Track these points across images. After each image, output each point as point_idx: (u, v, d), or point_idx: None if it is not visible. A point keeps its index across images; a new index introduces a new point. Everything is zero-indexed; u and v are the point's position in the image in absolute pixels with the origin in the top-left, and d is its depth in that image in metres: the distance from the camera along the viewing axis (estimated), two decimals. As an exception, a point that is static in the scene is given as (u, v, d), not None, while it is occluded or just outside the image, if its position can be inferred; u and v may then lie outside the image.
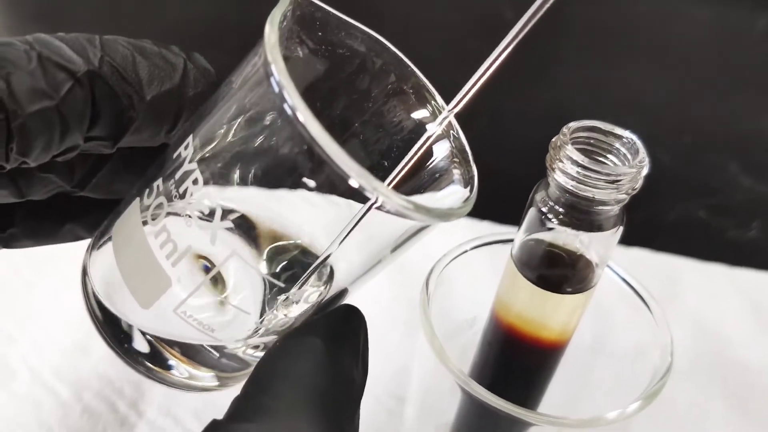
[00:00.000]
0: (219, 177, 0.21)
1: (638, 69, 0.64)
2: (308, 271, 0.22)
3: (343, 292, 0.23)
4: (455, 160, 0.24)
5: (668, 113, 0.62)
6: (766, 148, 0.61)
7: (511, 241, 0.28)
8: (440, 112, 0.24)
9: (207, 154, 0.21)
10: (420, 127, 0.24)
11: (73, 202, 0.26)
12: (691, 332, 0.47)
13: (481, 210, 0.53)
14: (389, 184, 0.23)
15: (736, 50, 0.65)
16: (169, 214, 0.22)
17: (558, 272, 0.27)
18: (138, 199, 0.22)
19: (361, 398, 0.22)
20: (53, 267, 0.45)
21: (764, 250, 0.54)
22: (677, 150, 0.60)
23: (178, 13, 0.61)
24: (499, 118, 0.62)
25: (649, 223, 0.55)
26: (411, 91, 0.24)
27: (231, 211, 0.23)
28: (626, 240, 0.52)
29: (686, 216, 0.56)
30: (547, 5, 0.22)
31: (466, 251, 0.32)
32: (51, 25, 0.61)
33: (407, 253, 0.49)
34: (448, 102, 0.23)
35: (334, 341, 0.21)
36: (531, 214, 0.26)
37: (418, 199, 0.23)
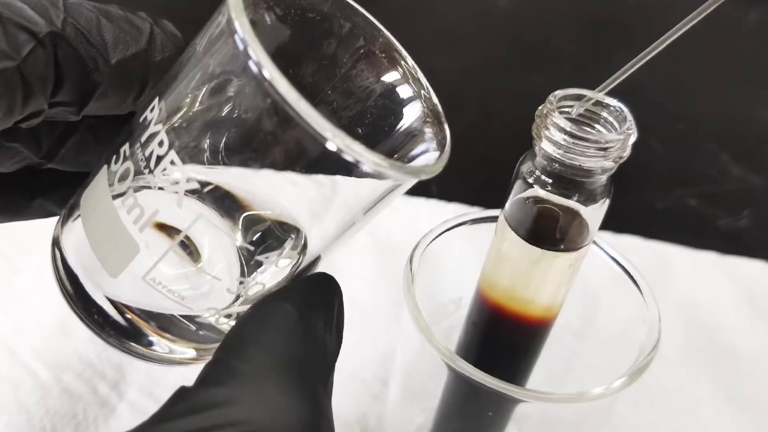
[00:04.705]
0: (192, 140, 0.20)
1: (631, 58, 0.64)
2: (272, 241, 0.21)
3: (317, 260, 0.23)
4: (428, 120, 0.23)
5: (662, 103, 0.61)
6: (757, 138, 0.61)
7: (495, 218, 0.27)
8: (412, 74, 0.24)
9: (177, 119, 0.20)
10: (392, 91, 0.23)
11: (43, 176, 0.26)
12: (682, 320, 0.47)
13: (472, 196, 0.53)
14: None
15: (728, 42, 0.64)
16: (142, 188, 0.21)
17: (551, 228, 0.26)
18: (106, 166, 0.22)
19: (334, 365, 0.21)
20: (36, 247, 0.44)
21: (754, 238, 0.54)
22: (670, 139, 0.60)
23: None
24: (491, 107, 0.62)
25: (641, 211, 0.55)
26: (381, 54, 0.24)
27: (205, 183, 0.22)
28: (617, 227, 0.52)
29: (678, 204, 0.56)
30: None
31: (450, 228, 0.31)
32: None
33: (397, 236, 0.48)
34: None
35: (307, 307, 0.21)
36: (517, 186, 0.26)
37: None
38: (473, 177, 0.52)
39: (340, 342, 0.22)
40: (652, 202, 0.56)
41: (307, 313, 0.21)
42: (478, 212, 0.32)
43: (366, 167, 0.19)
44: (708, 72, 0.64)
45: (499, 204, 0.27)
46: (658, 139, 0.59)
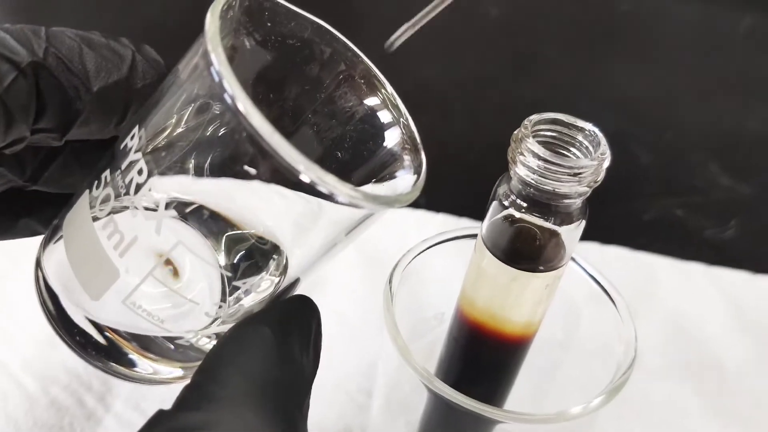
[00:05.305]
0: (169, 168, 0.21)
1: (621, 67, 0.65)
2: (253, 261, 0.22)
3: (296, 282, 0.23)
4: (406, 147, 0.24)
5: (650, 111, 0.62)
6: (746, 148, 0.61)
7: (476, 236, 0.28)
8: (390, 100, 0.24)
9: (157, 146, 0.21)
10: (371, 116, 0.24)
11: (28, 196, 0.26)
12: (668, 331, 0.47)
13: (461, 206, 0.53)
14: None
15: (720, 50, 0.65)
16: (123, 208, 0.21)
17: (527, 248, 0.26)
18: (87, 191, 0.22)
19: (311, 387, 0.21)
20: (27, 259, 0.44)
21: (742, 249, 0.54)
22: (658, 148, 0.60)
23: (161, 5, 0.61)
24: (480, 115, 0.62)
25: (628, 221, 0.55)
26: (361, 79, 0.24)
27: (188, 203, 0.23)
28: (604, 238, 0.52)
29: (664, 214, 0.56)
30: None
31: (431, 246, 0.32)
32: (33, 17, 0.60)
33: (384, 247, 0.48)
34: (404, 92, 0.23)
35: (284, 330, 0.21)
36: (494, 207, 0.26)
37: (371, 185, 0.23)
38: (463, 186, 0.52)
39: (317, 364, 0.22)
40: (639, 213, 0.56)
41: (284, 337, 0.21)
42: (459, 230, 0.32)
43: (340, 198, 0.19)
44: (697, 79, 0.64)
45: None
46: (646, 148, 0.59)
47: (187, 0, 0.59)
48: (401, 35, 0.22)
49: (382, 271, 0.47)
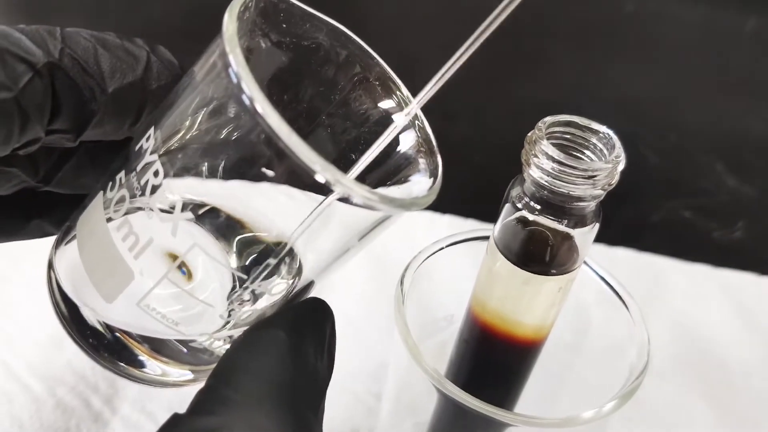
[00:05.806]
0: (185, 169, 0.21)
1: (626, 68, 0.64)
2: (265, 264, 0.22)
3: (310, 285, 0.23)
4: (421, 150, 0.23)
5: (655, 113, 0.61)
6: (752, 149, 0.61)
7: (487, 237, 0.28)
8: (406, 103, 0.24)
9: (172, 147, 0.21)
10: (386, 118, 0.24)
11: (41, 198, 0.26)
12: (675, 333, 0.47)
13: (466, 208, 0.53)
14: (353, 175, 0.23)
15: (725, 51, 0.64)
16: (137, 209, 0.21)
17: (540, 251, 0.26)
18: (102, 192, 0.22)
19: (326, 391, 0.21)
20: (30, 261, 0.44)
21: (749, 250, 0.54)
22: (663, 149, 0.60)
23: (166, 4, 0.60)
24: (485, 116, 0.62)
25: (634, 223, 0.55)
26: (376, 82, 0.24)
27: (201, 205, 0.22)
28: (611, 240, 0.52)
29: (671, 216, 0.56)
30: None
31: (442, 248, 0.32)
32: (38, 17, 0.60)
33: (390, 248, 0.48)
34: (414, 94, 0.23)
35: (298, 334, 0.21)
36: (507, 209, 0.26)
37: (385, 188, 0.23)
38: (468, 188, 0.52)
39: (332, 368, 0.22)
40: (645, 215, 0.56)
41: (298, 340, 0.21)
42: (471, 231, 0.32)
43: (356, 200, 0.19)
44: (703, 81, 0.64)
45: (493, 216, 0.27)
46: (652, 150, 0.59)
47: (189, 0, 0.59)
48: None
49: (389, 271, 0.47)
